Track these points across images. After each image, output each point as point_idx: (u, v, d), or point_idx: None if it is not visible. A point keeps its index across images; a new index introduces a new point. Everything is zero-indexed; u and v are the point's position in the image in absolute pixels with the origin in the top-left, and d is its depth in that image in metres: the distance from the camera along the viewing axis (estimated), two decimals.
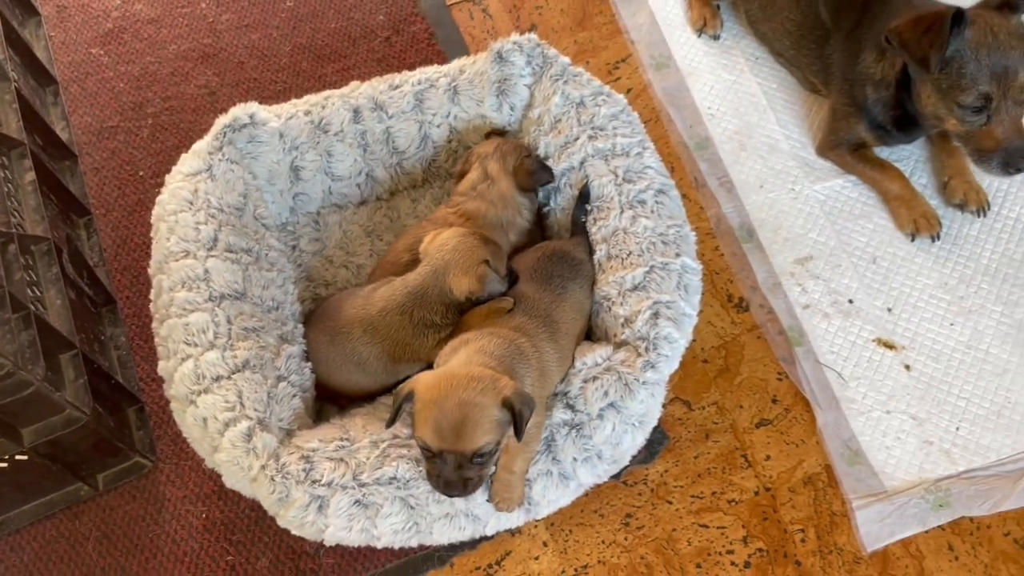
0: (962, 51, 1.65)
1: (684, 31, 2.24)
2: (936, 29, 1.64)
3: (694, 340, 1.83)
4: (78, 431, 1.53)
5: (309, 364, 1.60)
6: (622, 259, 1.59)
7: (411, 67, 2.22)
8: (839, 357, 1.79)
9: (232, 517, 1.70)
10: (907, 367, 1.78)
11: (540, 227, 1.84)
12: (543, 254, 1.61)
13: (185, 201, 1.59)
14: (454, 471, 1.27)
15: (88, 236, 1.99)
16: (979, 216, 1.91)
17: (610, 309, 1.57)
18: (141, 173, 2.10)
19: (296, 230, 1.86)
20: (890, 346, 1.81)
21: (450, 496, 1.32)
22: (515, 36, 1.81)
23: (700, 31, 2.22)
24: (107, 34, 2.30)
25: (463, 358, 1.33)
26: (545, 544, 1.67)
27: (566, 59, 1.81)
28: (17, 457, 1.53)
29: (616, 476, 1.71)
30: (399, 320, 1.55)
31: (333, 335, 1.60)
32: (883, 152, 1.98)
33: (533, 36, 1.81)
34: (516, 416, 1.25)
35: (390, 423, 1.33)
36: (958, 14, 1.64)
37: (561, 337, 1.51)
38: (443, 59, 2.24)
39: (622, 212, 1.63)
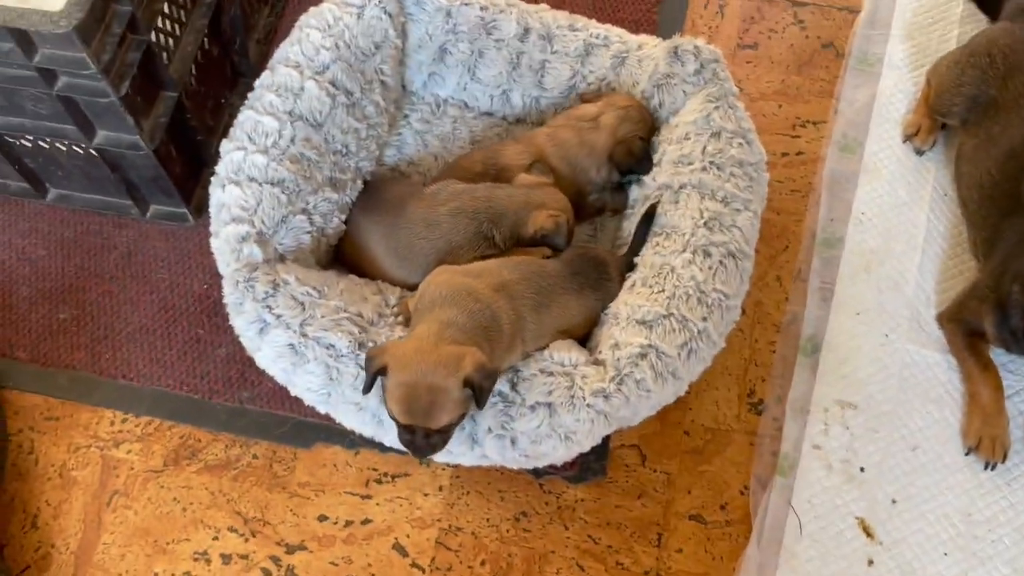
0: None
1: (893, 129, 2.05)
2: None
3: (690, 408, 1.77)
4: (141, 157, 1.71)
5: (342, 216, 1.68)
6: (651, 289, 1.54)
7: (622, 18, 2.22)
8: (811, 511, 1.66)
9: (221, 301, 1.85)
10: (870, 562, 1.62)
11: (621, 195, 1.81)
12: (586, 253, 1.62)
13: (324, 23, 1.68)
14: (422, 439, 1.37)
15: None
16: None
17: (611, 326, 1.53)
18: None
19: (416, 103, 1.92)
20: (869, 534, 1.65)
21: (418, 456, 1.46)
22: (699, 41, 1.73)
23: (908, 138, 2.02)
24: None
25: (435, 330, 1.36)
26: (441, 488, 1.70)
27: (734, 88, 1.72)
28: (91, 151, 1.72)
29: (538, 475, 1.70)
30: (465, 223, 1.60)
31: (391, 228, 1.65)
32: (1000, 356, 1.76)
33: (717, 50, 1.73)
34: (476, 390, 1.32)
35: (366, 390, 1.38)
36: None
37: (547, 318, 1.50)
38: (655, 26, 2.19)
39: (683, 251, 1.56)
